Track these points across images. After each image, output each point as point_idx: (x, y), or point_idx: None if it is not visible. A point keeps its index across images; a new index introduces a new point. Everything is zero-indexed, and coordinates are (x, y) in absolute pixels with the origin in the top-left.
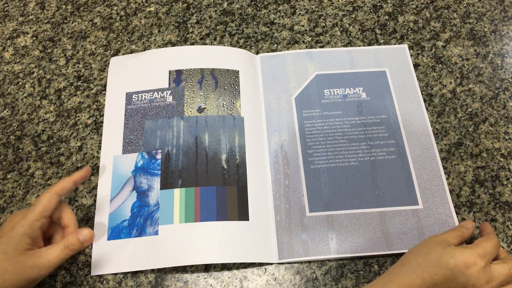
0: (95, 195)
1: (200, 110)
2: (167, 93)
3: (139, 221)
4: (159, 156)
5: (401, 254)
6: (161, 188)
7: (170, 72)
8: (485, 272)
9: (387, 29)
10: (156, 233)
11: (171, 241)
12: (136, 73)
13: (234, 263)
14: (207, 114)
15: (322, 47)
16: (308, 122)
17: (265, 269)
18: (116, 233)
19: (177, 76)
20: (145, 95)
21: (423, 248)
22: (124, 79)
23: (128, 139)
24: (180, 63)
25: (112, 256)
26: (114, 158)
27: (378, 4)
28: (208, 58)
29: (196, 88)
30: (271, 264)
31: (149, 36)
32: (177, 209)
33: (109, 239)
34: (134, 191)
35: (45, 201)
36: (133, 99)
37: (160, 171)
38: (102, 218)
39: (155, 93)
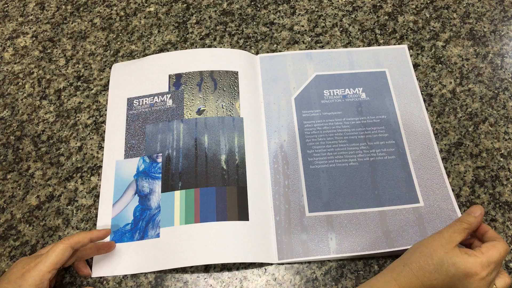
0: (95, 196)
1: (200, 112)
2: (167, 97)
3: (141, 225)
4: (160, 160)
5: (402, 252)
6: (162, 191)
7: (170, 76)
8: (485, 282)
9: (387, 29)
10: (158, 235)
11: (172, 243)
12: (137, 79)
13: (234, 263)
14: (207, 116)
15: (321, 47)
16: (308, 123)
17: (265, 269)
18: (118, 236)
19: (176, 80)
20: (145, 99)
21: (426, 249)
22: (125, 85)
23: (130, 144)
24: (180, 66)
25: (114, 259)
26: (117, 163)
27: (378, 4)
28: (207, 60)
29: (195, 90)
30: (271, 264)
31: (148, 36)
32: (178, 211)
33: None
34: (136, 195)
35: (59, 253)
36: (134, 104)
37: (161, 174)
38: (105, 222)
39: (156, 97)
